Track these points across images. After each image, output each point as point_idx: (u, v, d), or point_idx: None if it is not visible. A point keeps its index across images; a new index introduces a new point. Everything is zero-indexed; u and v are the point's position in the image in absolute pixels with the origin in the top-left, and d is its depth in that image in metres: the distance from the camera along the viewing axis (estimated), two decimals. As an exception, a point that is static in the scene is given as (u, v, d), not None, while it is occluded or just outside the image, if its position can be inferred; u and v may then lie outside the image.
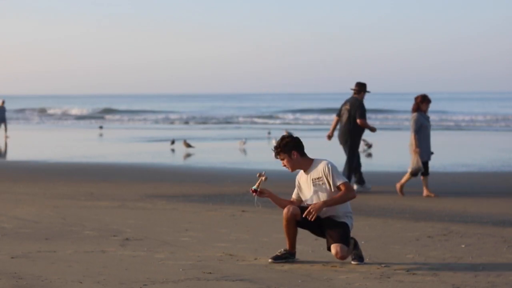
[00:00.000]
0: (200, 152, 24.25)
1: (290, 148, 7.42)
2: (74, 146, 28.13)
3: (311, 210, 7.22)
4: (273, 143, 27.67)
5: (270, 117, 57.24)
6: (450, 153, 23.94)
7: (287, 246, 7.51)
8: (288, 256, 7.46)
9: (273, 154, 7.53)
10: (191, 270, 7.00)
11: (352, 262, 7.36)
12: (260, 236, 9.07)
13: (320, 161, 7.40)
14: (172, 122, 53.43)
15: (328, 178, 7.30)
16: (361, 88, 14.11)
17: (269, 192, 7.54)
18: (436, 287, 6.40)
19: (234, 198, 13.00)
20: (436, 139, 26.98)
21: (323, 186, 7.32)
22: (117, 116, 60.16)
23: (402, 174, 14.13)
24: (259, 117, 57.30)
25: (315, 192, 7.35)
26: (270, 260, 7.41)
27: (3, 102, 33.01)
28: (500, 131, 38.72)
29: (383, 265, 7.28)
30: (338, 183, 7.29)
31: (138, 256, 7.72)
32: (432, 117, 52.82)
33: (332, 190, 7.28)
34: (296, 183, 7.56)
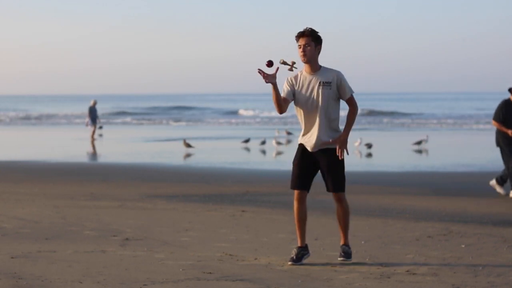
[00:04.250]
0: (200, 152, 24.25)
1: (320, 42, 7.29)
2: (74, 146, 28.14)
3: (342, 149, 7.25)
4: (274, 144, 27.61)
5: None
6: (450, 153, 23.95)
7: (298, 242, 7.45)
8: (304, 253, 7.38)
9: (299, 35, 7.20)
10: (191, 270, 7.00)
11: (339, 259, 7.37)
12: (260, 236, 9.07)
13: (329, 68, 7.32)
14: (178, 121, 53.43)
15: (341, 86, 7.26)
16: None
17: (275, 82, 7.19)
18: (436, 287, 6.40)
19: (234, 198, 13.00)
20: (436, 139, 27.05)
21: (328, 91, 7.22)
22: (133, 119, 58.60)
23: (402, 174, 14.14)
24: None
25: (319, 95, 7.22)
26: (289, 263, 7.29)
27: (95, 103, 32.38)
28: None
29: (383, 265, 7.28)
30: (349, 94, 7.30)
31: (138, 256, 7.72)
32: (431, 118, 52.45)
33: (335, 98, 7.26)
34: (290, 81, 7.31)
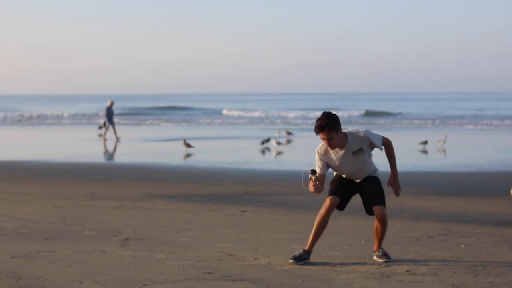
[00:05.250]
0: (200, 152, 24.25)
1: (339, 125, 7.34)
2: (74, 146, 28.12)
3: (397, 189, 7.55)
4: (274, 144, 27.41)
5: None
6: (450, 153, 23.94)
7: (307, 245, 7.48)
8: (306, 257, 7.42)
9: (318, 131, 7.27)
10: (191, 270, 7.00)
11: (380, 260, 7.45)
12: (260, 236, 9.07)
13: (354, 134, 7.40)
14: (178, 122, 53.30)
15: (372, 143, 7.41)
16: None
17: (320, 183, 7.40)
18: (436, 287, 6.41)
19: (234, 198, 13.00)
20: (436, 138, 27.02)
21: (363, 156, 7.41)
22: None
23: (402, 174, 14.10)
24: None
25: (355, 162, 7.39)
26: (290, 261, 7.32)
27: (112, 103, 31.74)
28: (500, 130, 38.73)
29: (383, 265, 7.28)
30: (381, 143, 7.48)
31: (138, 256, 7.72)
32: (429, 118, 52.29)
33: (370, 155, 7.48)
34: (320, 157, 7.41)
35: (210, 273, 6.86)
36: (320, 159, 7.45)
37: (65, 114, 64.64)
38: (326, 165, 7.46)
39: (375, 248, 7.68)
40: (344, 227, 9.80)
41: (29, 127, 45.86)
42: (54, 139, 34.36)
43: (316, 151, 7.48)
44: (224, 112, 66.52)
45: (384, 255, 7.53)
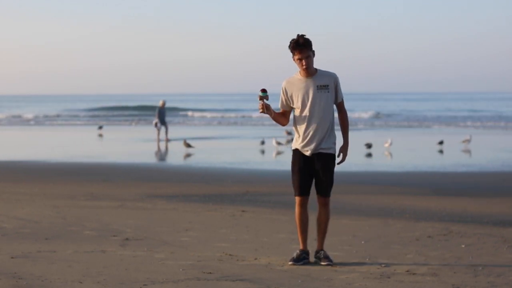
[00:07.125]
0: (200, 152, 24.26)
1: (312, 46, 7.22)
2: (74, 146, 28.13)
3: (344, 158, 7.41)
4: (274, 144, 27.41)
5: None
6: (450, 152, 23.95)
7: (300, 246, 7.46)
8: (305, 257, 7.38)
9: (296, 48, 7.11)
10: (191, 270, 7.00)
11: (322, 263, 7.32)
12: (260, 236, 9.07)
13: (326, 71, 7.30)
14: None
15: (336, 89, 7.29)
16: None
17: (271, 112, 7.30)
18: (436, 287, 6.41)
19: (234, 198, 13.00)
20: (436, 138, 27.04)
21: (326, 94, 7.23)
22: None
23: (402, 174, 14.13)
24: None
25: (318, 98, 7.21)
26: (290, 263, 7.30)
27: (164, 104, 30.88)
28: (501, 130, 38.74)
29: (383, 265, 7.28)
30: (341, 98, 7.36)
31: (138, 256, 7.72)
32: (431, 119, 52.26)
33: (332, 101, 7.28)
34: (284, 90, 7.32)
35: (210, 273, 6.87)
36: (283, 95, 7.33)
37: (65, 114, 64.69)
38: (289, 104, 7.30)
39: (318, 247, 7.46)
40: (344, 227, 9.80)
41: (29, 127, 45.87)
42: (54, 139, 34.37)
43: (282, 84, 7.33)
44: (189, 113, 65.04)
45: (326, 258, 7.34)
